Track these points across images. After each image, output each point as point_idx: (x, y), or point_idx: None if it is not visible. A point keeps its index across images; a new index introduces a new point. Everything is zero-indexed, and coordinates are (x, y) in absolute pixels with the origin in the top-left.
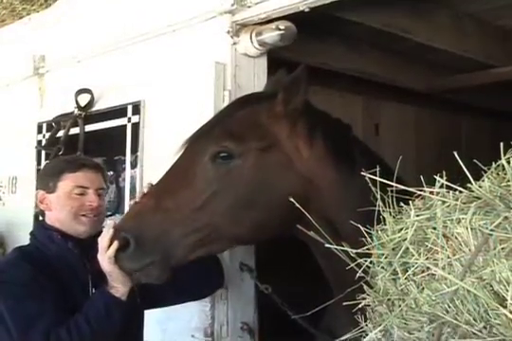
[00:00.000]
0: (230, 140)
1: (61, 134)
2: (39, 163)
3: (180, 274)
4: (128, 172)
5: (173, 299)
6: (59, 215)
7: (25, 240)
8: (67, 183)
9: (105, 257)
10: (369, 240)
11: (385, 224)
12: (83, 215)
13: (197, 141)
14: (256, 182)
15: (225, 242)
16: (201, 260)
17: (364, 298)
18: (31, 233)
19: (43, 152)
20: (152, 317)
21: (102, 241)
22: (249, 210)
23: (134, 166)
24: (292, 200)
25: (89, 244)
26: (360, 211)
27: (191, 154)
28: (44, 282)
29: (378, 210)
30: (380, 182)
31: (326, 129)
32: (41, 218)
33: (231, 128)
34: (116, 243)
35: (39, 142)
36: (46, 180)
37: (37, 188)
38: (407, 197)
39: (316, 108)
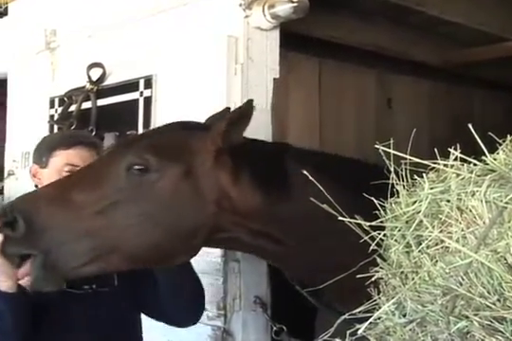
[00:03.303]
0: (152, 154)
1: (73, 108)
2: None
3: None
4: None
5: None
6: None
7: None
8: (58, 160)
9: None
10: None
11: (398, 197)
12: None
13: (120, 148)
14: (164, 202)
15: (117, 258)
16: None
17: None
18: None
19: (55, 127)
20: None
21: None
22: (149, 228)
23: None
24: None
25: None
26: (302, 224)
27: (110, 158)
28: None
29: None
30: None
31: (254, 161)
32: None
33: (157, 144)
34: (0, 236)
35: (51, 117)
36: (40, 154)
37: (32, 162)
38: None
39: (245, 139)
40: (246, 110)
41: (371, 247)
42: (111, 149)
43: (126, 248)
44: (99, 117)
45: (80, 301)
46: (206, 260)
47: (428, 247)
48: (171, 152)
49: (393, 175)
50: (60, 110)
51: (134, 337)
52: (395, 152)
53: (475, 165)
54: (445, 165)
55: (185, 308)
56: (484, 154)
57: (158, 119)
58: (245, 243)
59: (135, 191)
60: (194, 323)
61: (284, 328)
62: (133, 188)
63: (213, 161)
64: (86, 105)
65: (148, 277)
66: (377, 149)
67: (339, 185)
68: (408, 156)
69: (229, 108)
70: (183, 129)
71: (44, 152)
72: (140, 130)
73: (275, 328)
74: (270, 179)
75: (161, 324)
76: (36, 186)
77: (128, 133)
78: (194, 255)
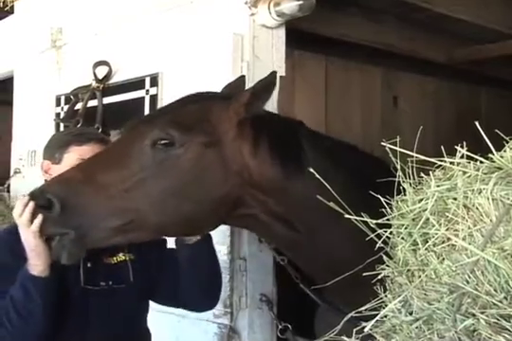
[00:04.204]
0: (175, 129)
1: (79, 106)
2: None
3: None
4: None
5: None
6: None
7: None
8: (73, 155)
9: (29, 231)
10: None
11: (404, 195)
12: None
13: (141, 125)
14: (190, 175)
15: (146, 231)
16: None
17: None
18: None
19: (61, 125)
20: None
21: (21, 216)
22: (177, 202)
23: None
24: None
25: None
26: (313, 207)
27: (132, 136)
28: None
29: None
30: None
31: (273, 133)
32: None
33: (179, 118)
34: (40, 217)
35: (57, 115)
36: (53, 151)
37: (43, 159)
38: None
39: (263, 111)
40: (270, 82)
41: (377, 245)
42: (129, 128)
43: (155, 221)
44: (105, 115)
45: (97, 297)
46: None
47: (434, 245)
48: (194, 125)
49: (399, 173)
50: (66, 108)
51: (144, 327)
52: (402, 150)
53: (482, 163)
54: (451, 163)
55: (205, 294)
56: (491, 152)
57: None
58: (261, 223)
59: (161, 166)
60: (211, 308)
61: (290, 326)
62: (159, 164)
63: (236, 131)
64: (92, 103)
65: (165, 268)
66: (384, 146)
67: (349, 172)
68: (414, 154)
69: (244, 76)
70: (202, 100)
71: (56, 149)
72: None
73: (280, 326)
74: (287, 153)
75: (169, 321)
76: (46, 181)
77: None
78: (217, 226)
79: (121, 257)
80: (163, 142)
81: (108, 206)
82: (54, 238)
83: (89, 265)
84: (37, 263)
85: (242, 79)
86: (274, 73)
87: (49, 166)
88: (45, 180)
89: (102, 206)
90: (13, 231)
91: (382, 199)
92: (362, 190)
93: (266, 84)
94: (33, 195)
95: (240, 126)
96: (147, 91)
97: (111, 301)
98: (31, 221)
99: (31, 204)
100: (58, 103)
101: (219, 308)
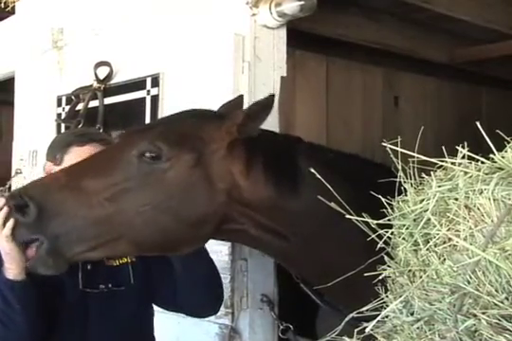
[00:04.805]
0: (164, 142)
1: (80, 106)
2: None
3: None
4: None
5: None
6: None
7: None
8: (73, 156)
9: (1, 235)
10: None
11: (406, 195)
12: None
13: (134, 134)
14: (174, 190)
15: (124, 245)
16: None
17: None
18: None
19: (62, 126)
20: None
21: None
22: (158, 217)
23: None
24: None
25: None
26: (307, 221)
27: (122, 145)
28: None
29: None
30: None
31: (267, 152)
32: None
33: (171, 132)
34: (12, 221)
35: (58, 115)
36: (54, 152)
37: (46, 160)
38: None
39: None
40: (267, 104)
41: (378, 245)
42: (123, 136)
43: (133, 235)
44: (106, 116)
45: (97, 301)
46: (214, 259)
47: (435, 245)
48: (183, 141)
49: (400, 173)
50: (67, 108)
51: (148, 333)
52: (403, 150)
53: (483, 163)
54: (452, 163)
55: (203, 298)
56: (492, 152)
57: None
58: (251, 237)
59: (145, 179)
60: (214, 313)
61: (291, 326)
62: (143, 176)
63: (226, 151)
64: (94, 104)
65: (164, 270)
66: (384, 147)
67: (348, 183)
68: (415, 154)
69: (243, 95)
70: (197, 117)
71: (57, 150)
72: None
73: (281, 326)
74: (282, 172)
75: (171, 322)
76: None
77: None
78: (202, 244)
79: (124, 258)
80: (150, 155)
81: (87, 216)
82: (30, 245)
83: (89, 267)
84: (11, 267)
85: (240, 98)
86: (272, 96)
87: (51, 167)
88: None
89: (81, 215)
90: None
91: (383, 200)
92: (364, 202)
93: (263, 107)
94: (12, 196)
95: (231, 146)
96: (148, 91)
97: (111, 304)
98: (4, 224)
99: (5, 208)
100: (59, 104)
101: (220, 308)
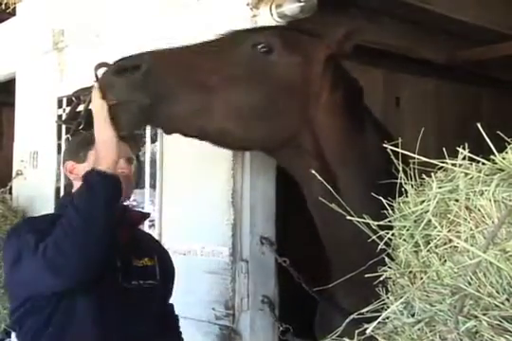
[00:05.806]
0: (279, 39)
1: (81, 108)
2: (59, 137)
3: None
4: (148, 147)
5: None
6: None
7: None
8: None
9: (106, 125)
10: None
11: (406, 196)
12: None
13: (247, 31)
14: (278, 82)
15: (213, 122)
16: None
17: (385, 271)
18: (58, 204)
19: (63, 127)
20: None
21: (95, 101)
22: (254, 102)
23: (154, 140)
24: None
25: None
26: (363, 168)
27: (236, 37)
28: None
29: (383, 170)
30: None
31: (347, 82)
32: (62, 191)
33: (283, 34)
34: (104, 103)
35: (59, 117)
36: (77, 150)
37: (65, 160)
38: (428, 169)
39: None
40: (358, 27)
41: (379, 247)
42: (232, 32)
43: (224, 111)
44: None
45: (129, 295)
46: (214, 260)
47: (436, 247)
48: (293, 43)
49: (401, 174)
50: (68, 110)
51: (175, 328)
52: (403, 152)
53: (483, 164)
54: (453, 164)
55: None
56: (493, 153)
57: None
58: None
59: (253, 68)
60: None
61: (291, 328)
62: (252, 65)
63: (324, 63)
64: None
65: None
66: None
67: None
68: (416, 155)
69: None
70: (304, 33)
71: (80, 148)
72: (148, 130)
73: (281, 328)
74: (353, 108)
75: None
76: (65, 185)
77: (136, 132)
78: (271, 146)
79: (147, 261)
80: (264, 49)
81: (190, 86)
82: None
83: (119, 264)
84: (103, 157)
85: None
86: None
87: (74, 166)
88: (69, 181)
89: (185, 84)
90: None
91: (384, 201)
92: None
93: (357, 29)
94: (123, 59)
95: (327, 62)
96: None
97: (145, 298)
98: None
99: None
100: (60, 105)
101: (221, 309)
